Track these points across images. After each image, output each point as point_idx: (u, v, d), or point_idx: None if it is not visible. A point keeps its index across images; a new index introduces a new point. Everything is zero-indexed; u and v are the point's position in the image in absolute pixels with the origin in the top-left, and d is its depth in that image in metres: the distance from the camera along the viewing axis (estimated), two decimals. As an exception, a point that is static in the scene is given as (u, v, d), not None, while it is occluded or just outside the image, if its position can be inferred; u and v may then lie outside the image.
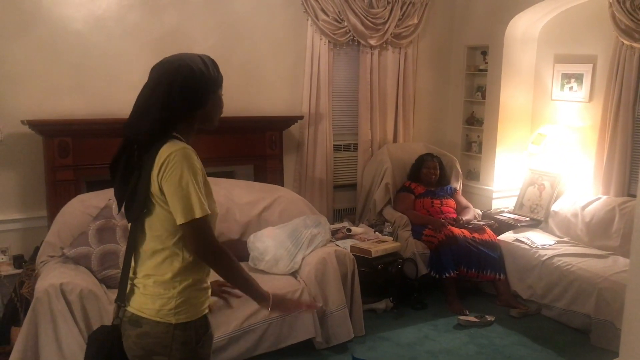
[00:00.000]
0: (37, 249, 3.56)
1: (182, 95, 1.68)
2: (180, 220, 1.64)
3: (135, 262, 1.77)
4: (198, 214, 1.63)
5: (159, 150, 1.66)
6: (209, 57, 1.79)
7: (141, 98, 1.71)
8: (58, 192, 3.81)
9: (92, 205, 3.52)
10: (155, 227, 1.71)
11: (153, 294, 1.70)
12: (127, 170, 1.72)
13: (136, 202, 1.70)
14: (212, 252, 1.70)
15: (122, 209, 1.77)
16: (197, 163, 1.68)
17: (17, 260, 3.83)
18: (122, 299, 1.77)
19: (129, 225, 1.77)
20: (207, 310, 1.80)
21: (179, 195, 1.63)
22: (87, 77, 4.05)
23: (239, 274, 1.77)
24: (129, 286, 1.77)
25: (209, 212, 1.67)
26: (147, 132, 1.67)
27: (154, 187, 1.66)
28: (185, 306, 1.71)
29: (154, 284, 1.71)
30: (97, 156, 3.77)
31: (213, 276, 1.83)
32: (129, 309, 1.75)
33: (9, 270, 3.79)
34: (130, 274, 1.78)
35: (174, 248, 1.71)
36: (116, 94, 4.06)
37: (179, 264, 1.70)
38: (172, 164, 1.63)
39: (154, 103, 1.67)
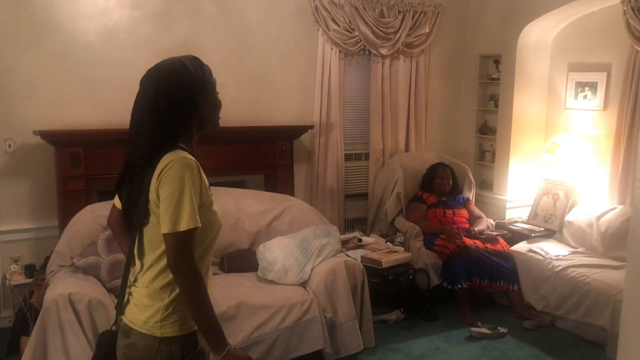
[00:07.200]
0: (47, 259, 3.58)
1: (169, 108, 1.65)
2: (164, 229, 1.59)
3: (137, 272, 1.76)
4: (184, 227, 1.58)
5: (160, 159, 1.64)
6: (190, 58, 1.73)
7: (134, 116, 1.71)
8: (69, 202, 3.85)
9: (103, 215, 3.52)
10: (153, 237, 1.69)
11: (142, 304, 1.68)
12: (132, 190, 1.71)
13: (137, 212, 1.69)
14: (184, 272, 1.59)
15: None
16: (197, 174, 1.64)
17: (29, 270, 3.86)
18: (120, 308, 1.78)
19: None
20: (196, 327, 1.69)
21: (170, 203, 1.59)
22: (98, 88, 4.09)
23: (204, 308, 1.61)
24: (126, 296, 1.77)
25: (199, 224, 1.61)
26: (144, 155, 1.65)
27: (152, 195, 1.64)
28: (172, 319, 1.66)
29: (145, 294, 1.69)
30: (109, 166, 3.77)
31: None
32: (124, 318, 1.74)
33: (21, 279, 3.82)
34: (132, 280, 1.77)
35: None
36: (127, 104, 3.91)
37: (172, 275, 1.66)
38: (171, 172, 1.60)
39: (147, 122, 1.66)
